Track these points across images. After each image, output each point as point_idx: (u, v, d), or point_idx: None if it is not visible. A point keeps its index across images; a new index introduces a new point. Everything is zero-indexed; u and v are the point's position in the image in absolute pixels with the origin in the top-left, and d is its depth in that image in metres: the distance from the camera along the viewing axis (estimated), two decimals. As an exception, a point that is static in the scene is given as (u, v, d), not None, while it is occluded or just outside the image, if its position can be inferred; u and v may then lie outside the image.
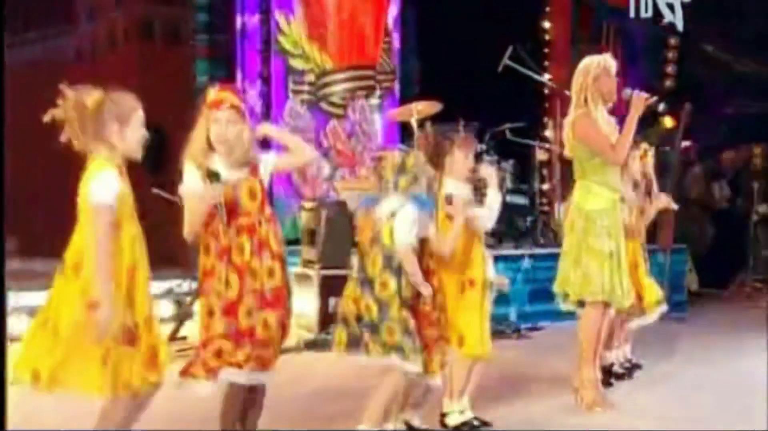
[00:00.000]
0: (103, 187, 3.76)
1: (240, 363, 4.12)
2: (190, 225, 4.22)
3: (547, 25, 12.35)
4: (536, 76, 9.67)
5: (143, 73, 11.35)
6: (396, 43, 11.93)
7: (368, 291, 4.60)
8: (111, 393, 3.81)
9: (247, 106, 5.71)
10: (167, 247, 8.16)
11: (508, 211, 9.80)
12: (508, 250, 9.43)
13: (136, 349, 3.82)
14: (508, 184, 10.08)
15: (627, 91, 5.75)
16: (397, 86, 11.90)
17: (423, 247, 4.77)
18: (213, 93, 4.27)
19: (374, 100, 11.50)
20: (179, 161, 4.35)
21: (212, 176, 4.08)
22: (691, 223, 12.44)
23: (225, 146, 4.19)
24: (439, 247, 4.92)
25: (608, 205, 5.76)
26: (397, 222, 4.59)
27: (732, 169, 12.66)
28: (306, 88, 11.12)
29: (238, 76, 10.80)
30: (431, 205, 4.82)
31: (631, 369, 6.89)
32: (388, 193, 4.67)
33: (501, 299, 8.98)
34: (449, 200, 5.11)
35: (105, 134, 3.83)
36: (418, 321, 4.69)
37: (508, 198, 9.86)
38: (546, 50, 12.28)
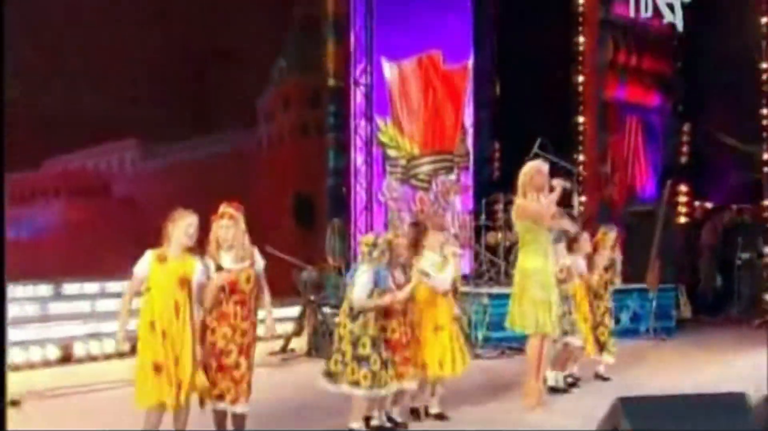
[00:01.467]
0: (139, 263, 4.53)
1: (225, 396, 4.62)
2: (210, 296, 4.67)
3: (580, 119, 12.31)
4: (556, 160, 9.76)
5: (301, 160, 12.07)
6: (470, 135, 12.16)
7: (344, 331, 5.07)
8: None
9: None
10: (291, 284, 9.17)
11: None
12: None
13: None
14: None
15: (554, 180, 5.92)
16: (471, 165, 12.12)
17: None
18: (220, 209, 4.75)
19: (452, 176, 11.82)
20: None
21: (219, 268, 4.66)
22: (706, 266, 12.27)
23: (227, 245, 4.70)
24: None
25: (539, 265, 5.88)
26: (354, 286, 5.11)
27: (729, 224, 12.29)
28: (399, 169, 11.47)
29: (351, 162, 11.39)
30: (387, 275, 5.19)
31: (576, 382, 6.79)
32: (363, 261, 5.19)
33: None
34: (424, 274, 5.50)
35: (166, 234, 4.53)
36: (391, 348, 5.14)
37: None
38: (580, 137, 12.25)
